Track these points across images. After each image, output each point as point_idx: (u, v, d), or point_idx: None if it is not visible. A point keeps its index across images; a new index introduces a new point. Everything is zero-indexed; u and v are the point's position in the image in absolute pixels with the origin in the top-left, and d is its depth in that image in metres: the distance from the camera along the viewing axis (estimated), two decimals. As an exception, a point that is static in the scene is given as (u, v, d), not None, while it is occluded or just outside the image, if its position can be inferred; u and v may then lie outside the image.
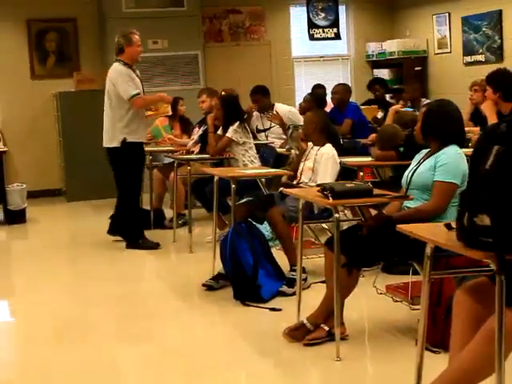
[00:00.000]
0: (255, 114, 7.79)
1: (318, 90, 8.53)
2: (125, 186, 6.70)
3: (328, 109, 7.92)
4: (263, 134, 7.81)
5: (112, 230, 6.98)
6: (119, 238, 6.86)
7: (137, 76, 6.64)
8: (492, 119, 5.64)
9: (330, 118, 5.87)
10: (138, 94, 6.52)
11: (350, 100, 8.32)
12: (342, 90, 8.24)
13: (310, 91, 8.77)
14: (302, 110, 7.54)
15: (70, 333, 4.66)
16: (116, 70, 6.58)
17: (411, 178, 4.08)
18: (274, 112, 7.73)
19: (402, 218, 3.78)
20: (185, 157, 7.03)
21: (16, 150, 10.08)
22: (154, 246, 6.70)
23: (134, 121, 6.56)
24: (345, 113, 8.02)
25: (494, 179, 2.52)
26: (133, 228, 6.76)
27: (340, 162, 5.44)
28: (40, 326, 4.80)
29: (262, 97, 7.88)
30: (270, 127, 7.79)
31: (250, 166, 6.38)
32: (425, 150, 4.16)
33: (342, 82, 9.53)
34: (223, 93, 7.95)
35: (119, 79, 6.50)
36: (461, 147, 4.03)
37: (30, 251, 7.28)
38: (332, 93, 8.37)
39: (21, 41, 10.07)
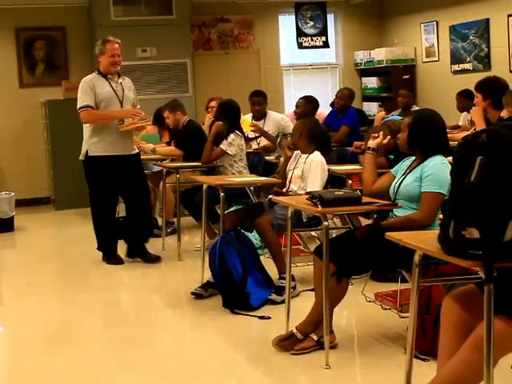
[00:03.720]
0: (247, 121, 7.74)
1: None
2: (92, 202, 6.47)
3: (319, 118, 7.92)
4: (254, 141, 7.79)
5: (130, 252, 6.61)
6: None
7: (112, 86, 6.27)
8: (480, 126, 5.67)
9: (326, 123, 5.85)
10: (87, 106, 6.17)
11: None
12: (347, 96, 8.28)
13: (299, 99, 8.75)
14: (298, 116, 7.48)
15: (59, 341, 4.64)
16: (82, 80, 6.36)
17: (398, 188, 4.10)
18: (252, 122, 7.69)
19: (391, 227, 3.79)
20: (174, 165, 7.02)
21: (4, 158, 10.06)
22: (117, 262, 6.45)
23: (98, 133, 6.25)
24: (343, 119, 8.05)
25: (481, 192, 2.52)
26: (101, 241, 6.54)
27: (328, 170, 5.45)
28: (29, 335, 4.77)
29: (264, 100, 7.87)
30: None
31: (237, 175, 6.38)
32: (412, 157, 4.19)
33: (330, 90, 9.55)
34: (213, 102, 7.95)
35: (79, 89, 6.29)
36: (445, 156, 4.05)
37: (18, 260, 7.25)
38: (336, 96, 8.39)
39: (9, 49, 10.05)
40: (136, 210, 6.46)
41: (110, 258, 6.48)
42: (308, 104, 7.73)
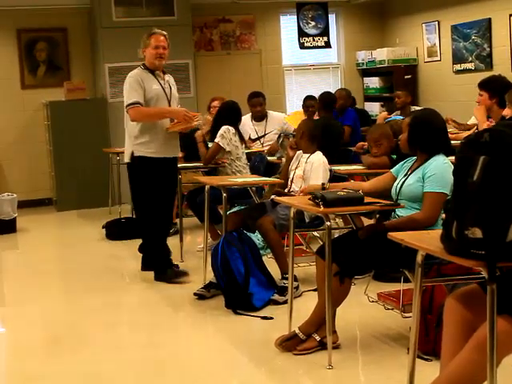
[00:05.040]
0: (246, 123, 7.75)
1: (310, 102, 8.48)
2: (137, 209, 6.02)
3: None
4: (258, 141, 7.79)
5: (143, 264, 6.11)
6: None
7: (160, 82, 5.82)
8: (483, 124, 5.64)
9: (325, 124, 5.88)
10: (136, 103, 5.66)
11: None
12: (344, 97, 8.29)
13: (301, 100, 8.75)
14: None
15: (60, 343, 4.63)
16: (129, 74, 5.83)
17: (400, 189, 4.09)
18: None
19: (393, 227, 3.78)
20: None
21: (6, 160, 10.07)
22: (183, 278, 5.82)
23: (147, 132, 5.72)
24: (343, 119, 8.05)
25: (484, 192, 2.52)
26: (155, 257, 5.94)
27: (330, 170, 5.44)
28: (31, 336, 4.78)
29: (264, 100, 7.89)
30: (265, 134, 7.78)
31: (237, 175, 6.38)
32: (414, 157, 4.18)
33: (332, 90, 9.51)
34: (215, 102, 7.94)
35: (125, 84, 5.78)
36: (447, 156, 4.05)
37: (20, 261, 7.25)
38: None
39: (11, 50, 10.05)
40: (165, 218, 6.00)
41: (173, 272, 5.86)
42: (347, 97, 7.98)
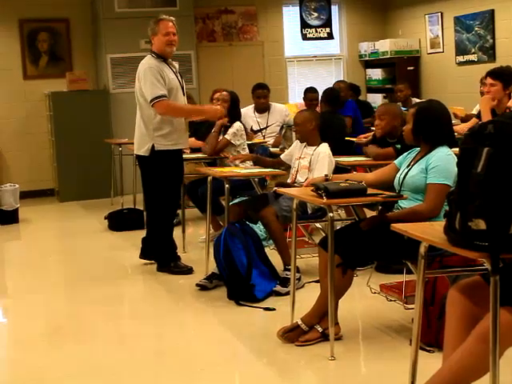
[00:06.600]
0: (249, 114, 7.75)
1: (313, 94, 8.44)
2: (153, 201, 5.82)
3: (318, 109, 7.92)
4: (259, 133, 7.80)
5: (143, 253, 6.08)
6: (150, 262, 6.05)
7: (173, 71, 5.71)
8: (487, 115, 5.59)
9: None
10: (164, 96, 5.52)
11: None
12: (343, 89, 8.27)
13: (302, 92, 8.73)
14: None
15: (62, 334, 4.64)
16: (144, 64, 5.64)
17: (403, 180, 4.09)
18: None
19: (396, 218, 3.78)
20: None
21: (8, 150, 10.07)
22: (187, 271, 5.78)
23: (166, 123, 5.60)
24: (343, 111, 8.04)
25: (488, 183, 2.51)
26: (163, 249, 5.89)
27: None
28: (32, 328, 4.77)
29: (268, 92, 7.90)
30: (267, 126, 7.78)
31: (241, 166, 6.38)
32: (417, 148, 4.18)
33: (335, 81, 9.50)
34: (217, 94, 7.94)
35: (146, 75, 5.56)
36: (451, 147, 4.04)
37: (22, 252, 7.26)
38: None
39: (13, 41, 10.04)
40: (175, 209, 6.08)
41: (177, 265, 5.84)
42: (347, 89, 8.20)
